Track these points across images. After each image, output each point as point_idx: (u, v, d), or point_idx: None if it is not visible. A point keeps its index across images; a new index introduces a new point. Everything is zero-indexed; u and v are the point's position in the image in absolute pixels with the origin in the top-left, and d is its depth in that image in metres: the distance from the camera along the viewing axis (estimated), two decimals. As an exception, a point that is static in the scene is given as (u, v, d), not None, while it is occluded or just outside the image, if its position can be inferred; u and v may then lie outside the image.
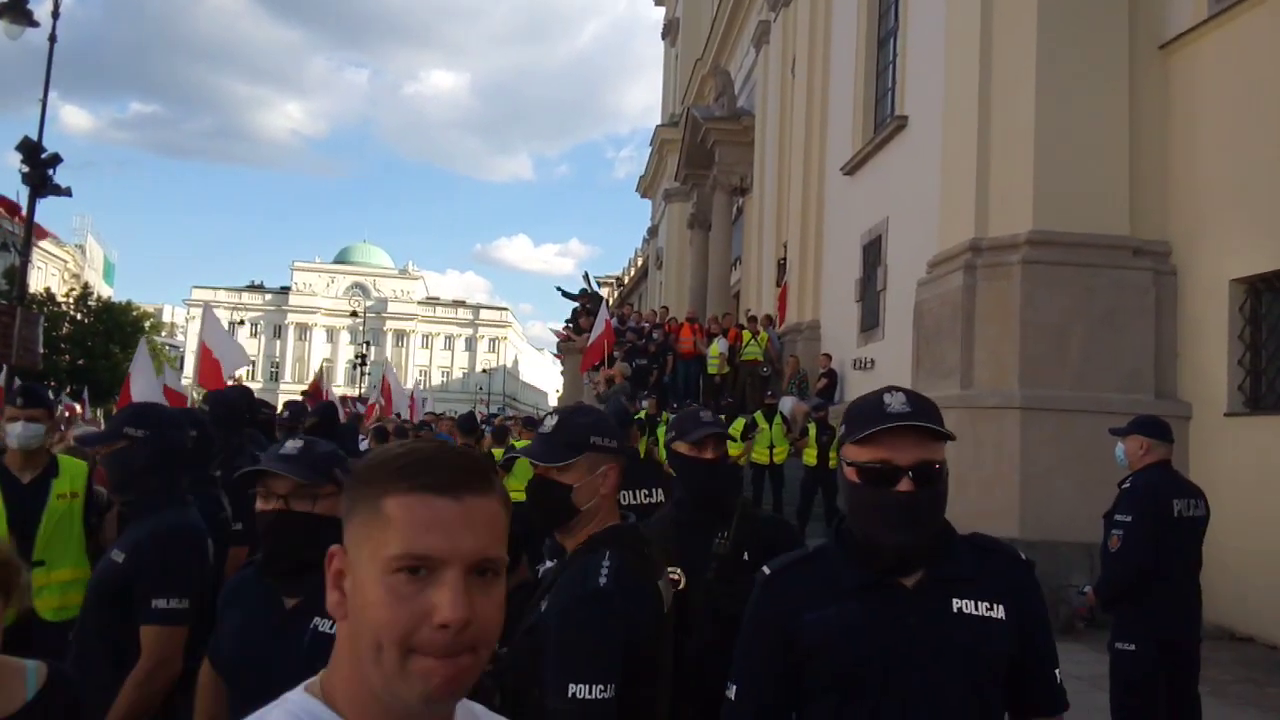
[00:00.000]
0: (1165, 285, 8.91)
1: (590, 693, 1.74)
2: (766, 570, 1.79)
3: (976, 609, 1.66)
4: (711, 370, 16.19)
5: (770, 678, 1.71)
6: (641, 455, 12.33)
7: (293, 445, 2.06)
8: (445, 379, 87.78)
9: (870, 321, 14.03)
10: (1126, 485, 4.50)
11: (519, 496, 2.02)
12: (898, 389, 1.72)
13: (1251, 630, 7.65)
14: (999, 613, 1.66)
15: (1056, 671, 1.76)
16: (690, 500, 2.78)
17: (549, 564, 2.18)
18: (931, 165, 10.80)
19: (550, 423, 2.07)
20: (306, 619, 1.92)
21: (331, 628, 1.83)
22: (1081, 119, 8.91)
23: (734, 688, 1.75)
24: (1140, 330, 8.81)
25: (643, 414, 12.68)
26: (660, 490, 3.86)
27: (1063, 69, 8.95)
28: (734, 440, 12.16)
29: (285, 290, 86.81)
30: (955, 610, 1.65)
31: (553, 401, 54.10)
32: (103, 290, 51.60)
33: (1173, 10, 9.08)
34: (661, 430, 12.01)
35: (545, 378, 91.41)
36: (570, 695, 1.74)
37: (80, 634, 2.59)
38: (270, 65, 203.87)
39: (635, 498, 3.77)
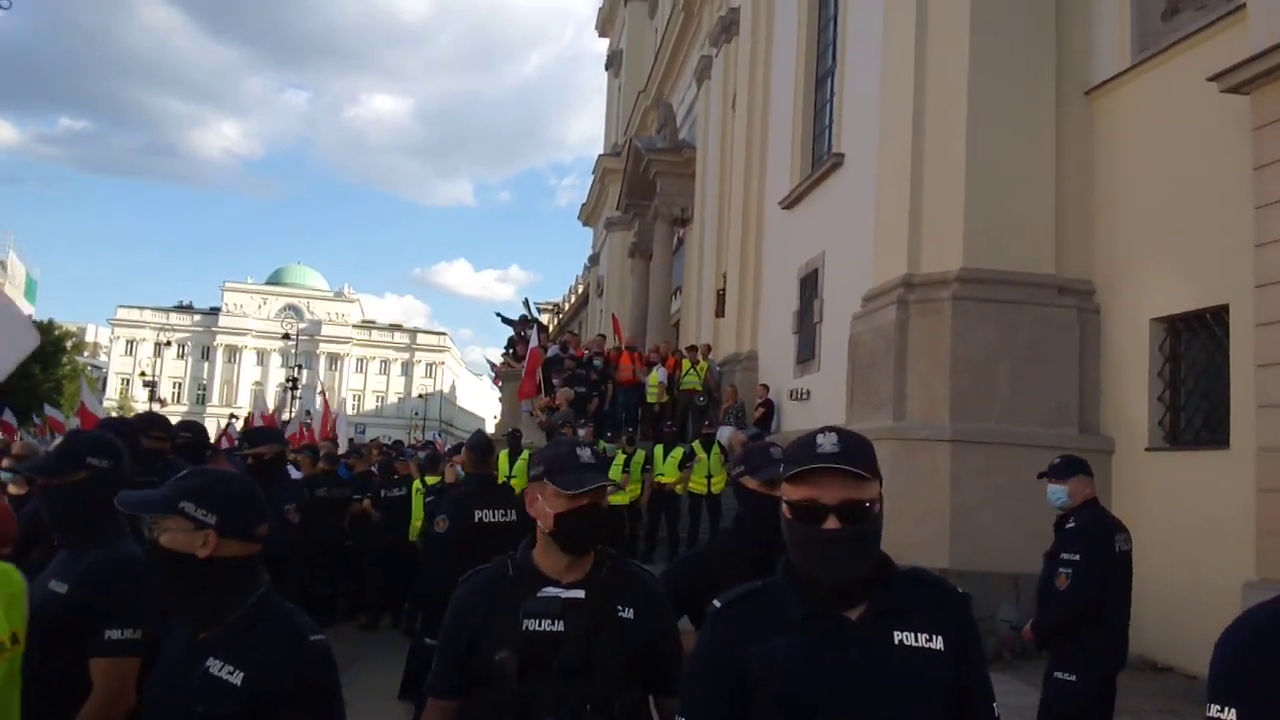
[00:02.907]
0: (1089, 322, 9.20)
1: None
2: (716, 603, 1.82)
3: (917, 640, 1.69)
4: (650, 399, 16.20)
5: (718, 709, 1.73)
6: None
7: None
8: (380, 404, 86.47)
9: (806, 353, 14.21)
10: (1072, 525, 4.53)
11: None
12: (832, 429, 1.75)
13: (1171, 660, 7.86)
14: (938, 644, 1.70)
15: (994, 705, 1.80)
16: (757, 532, 2.75)
17: (552, 589, 2.16)
18: (867, 202, 11.03)
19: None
20: (203, 658, 1.85)
21: (225, 671, 1.79)
22: (1010, 160, 9.20)
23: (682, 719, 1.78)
24: (1065, 366, 9.06)
25: (580, 442, 12.61)
26: (514, 511, 4.68)
27: (993, 111, 9.24)
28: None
29: (215, 311, 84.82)
30: (897, 642, 1.68)
31: (490, 427, 53.64)
32: (24, 308, 49.85)
33: (1098, 57, 9.45)
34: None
35: (483, 403, 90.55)
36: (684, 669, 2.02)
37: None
38: (206, 83, 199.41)
39: (493, 516, 4.72)
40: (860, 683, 1.65)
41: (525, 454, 10.63)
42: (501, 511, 4.77)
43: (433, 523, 5.03)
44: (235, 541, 1.91)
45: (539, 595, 2.13)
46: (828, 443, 1.70)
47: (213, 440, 7.43)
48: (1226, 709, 1.83)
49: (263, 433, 6.09)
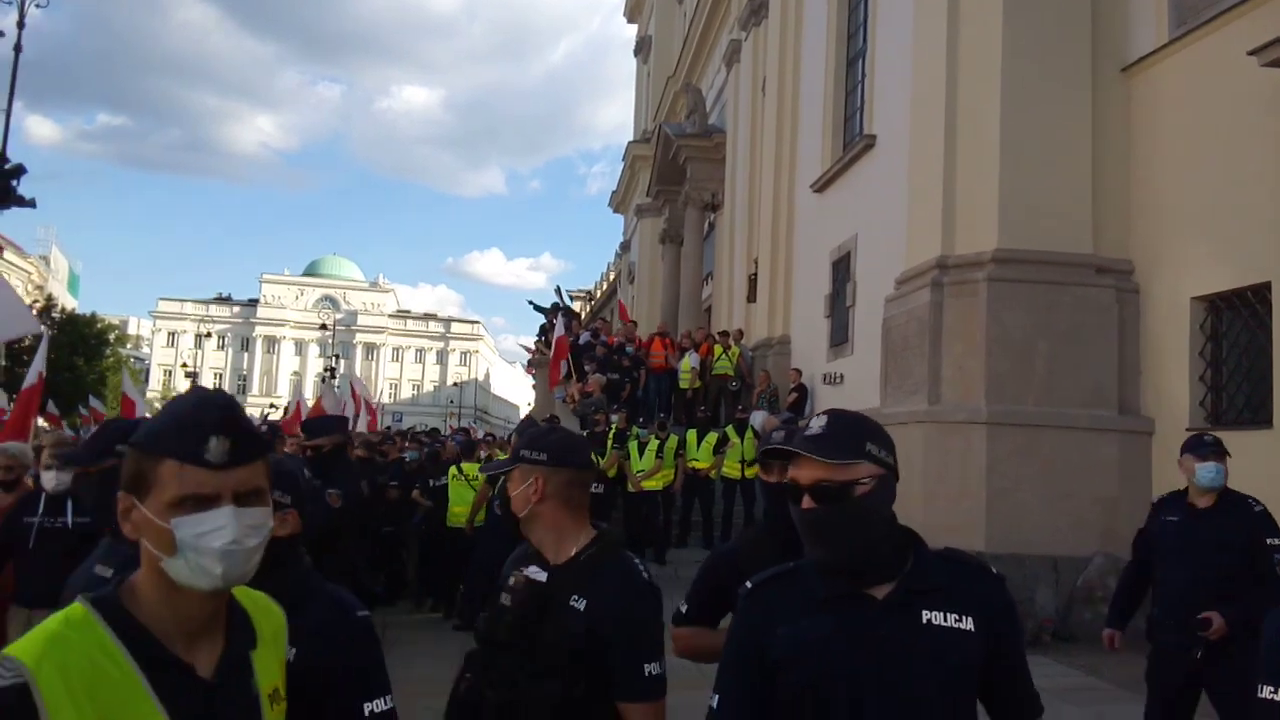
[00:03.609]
0: (1128, 303, 9.07)
1: (659, 668, 2.14)
2: (748, 584, 1.86)
3: (945, 620, 1.69)
4: (683, 384, 16.23)
5: (749, 689, 1.76)
6: (613, 471, 12.27)
7: None
8: (416, 392, 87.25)
9: (840, 337, 14.14)
10: (1260, 508, 4.19)
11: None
12: (831, 412, 1.81)
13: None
14: (968, 624, 1.70)
15: (1031, 683, 1.84)
16: (781, 521, 2.79)
17: (530, 569, 2.25)
18: (899, 183, 10.93)
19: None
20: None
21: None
22: (1045, 139, 9.07)
23: (716, 698, 1.82)
24: (1104, 347, 8.95)
25: (613, 428, 12.69)
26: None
27: (1027, 90, 9.11)
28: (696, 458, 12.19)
29: (253, 303, 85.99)
30: (925, 621, 1.69)
31: (523, 415, 53.95)
32: (67, 302, 50.84)
33: (1135, 33, 9.28)
34: (633, 444, 12.03)
35: (517, 391, 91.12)
36: (647, 674, 2.11)
37: None
38: (241, 79, 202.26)
39: None
40: (888, 662, 1.66)
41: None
42: None
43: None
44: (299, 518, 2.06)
45: (520, 571, 2.27)
46: (814, 425, 1.77)
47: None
48: None
49: (321, 423, 5.85)
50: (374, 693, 1.88)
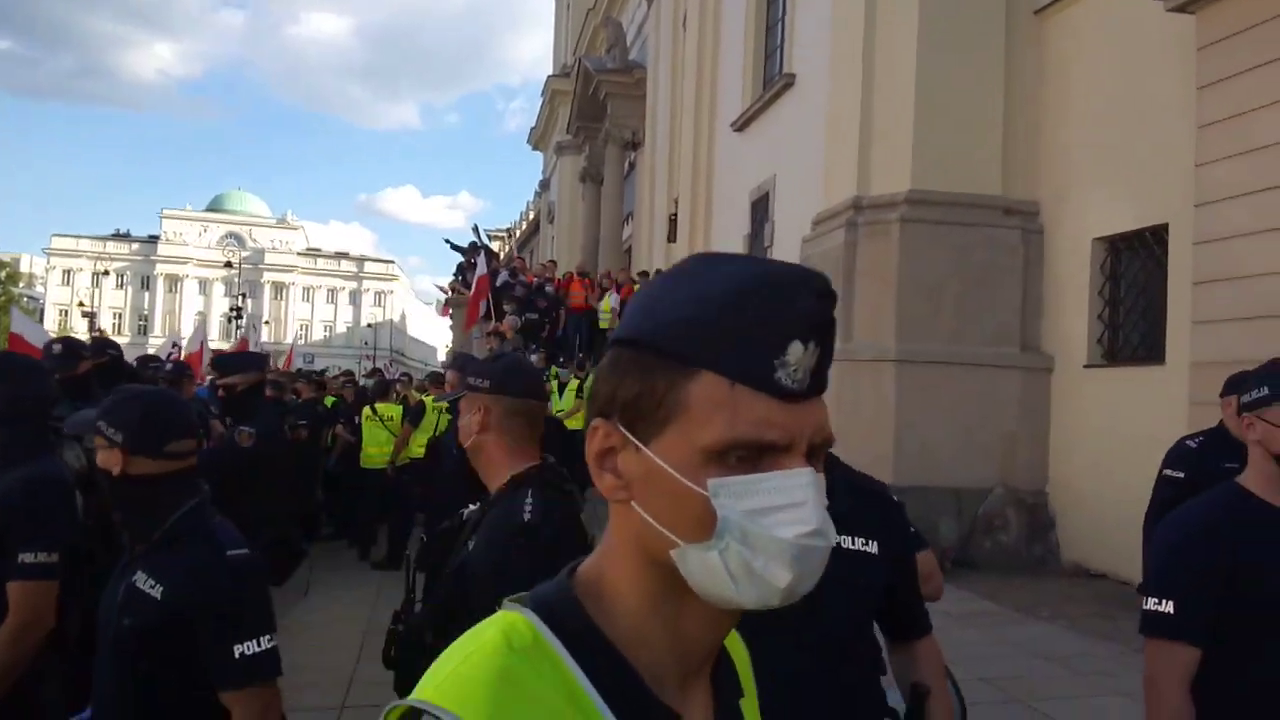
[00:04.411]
0: (1033, 243, 9.34)
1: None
2: None
3: (853, 544, 1.76)
4: (603, 325, 16.19)
5: None
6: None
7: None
8: (328, 333, 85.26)
9: (758, 277, 14.26)
10: None
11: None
12: None
13: (1105, 568, 8.22)
14: (873, 548, 1.78)
15: (922, 602, 1.99)
16: None
17: (472, 507, 2.18)
18: (817, 124, 10.97)
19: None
20: (133, 573, 1.89)
21: (148, 585, 1.82)
22: (959, 81, 9.19)
23: None
24: (1010, 287, 9.23)
25: (532, 368, 12.61)
26: None
27: (943, 31, 9.19)
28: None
29: (154, 239, 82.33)
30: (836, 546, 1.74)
31: (441, 356, 53.33)
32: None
33: (1047, -23, 9.40)
34: (553, 384, 11.99)
35: (434, 332, 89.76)
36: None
37: None
38: (138, 2, 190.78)
39: None
40: None
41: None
42: None
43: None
44: (145, 459, 1.91)
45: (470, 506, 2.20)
46: None
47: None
48: (1165, 601, 1.97)
49: (236, 360, 5.32)
50: (245, 634, 1.82)
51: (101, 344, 5.40)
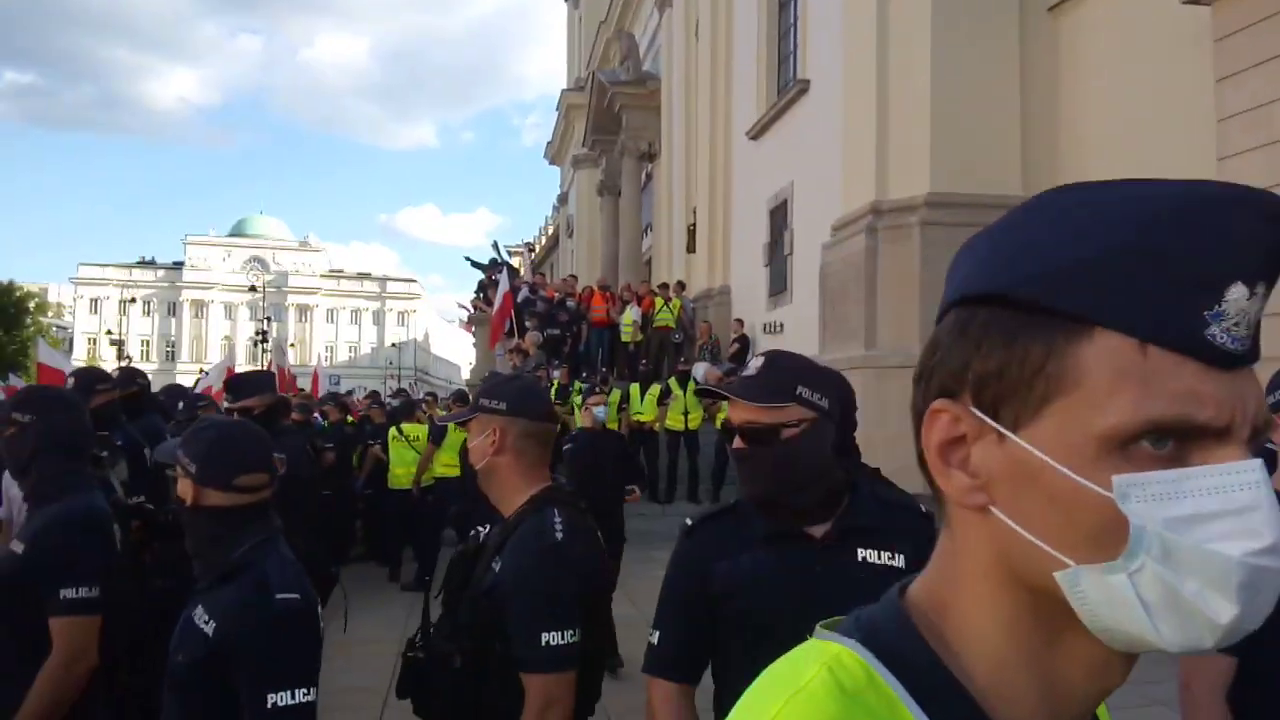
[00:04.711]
0: (1056, 243, 9.25)
1: (562, 638, 1.90)
2: (688, 521, 1.92)
3: (879, 558, 1.76)
4: (625, 338, 16.19)
5: (687, 623, 1.82)
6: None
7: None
8: (353, 354, 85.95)
9: (779, 285, 14.22)
10: None
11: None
12: (770, 354, 1.85)
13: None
14: (899, 561, 1.76)
15: None
16: None
17: (484, 529, 2.17)
18: (833, 129, 10.94)
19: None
20: (195, 606, 1.88)
21: (203, 620, 1.80)
22: (975, 81, 9.14)
23: (656, 633, 1.85)
24: (1034, 287, 9.14)
25: (555, 384, 12.64)
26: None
27: (957, 33, 9.15)
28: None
29: (179, 266, 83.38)
30: (860, 559, 1.75)
31: (465, 375, 53.56)
32: (-20, 270, 48.83)
33: (1060, -26, 9.35)
34: (576, 399, 12.00)
35: (458, 350, 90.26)
36: (544, 643, 1.88)
37: None
38: (155, 31, 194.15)
39: None
40: (824, 597, 1.70)
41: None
42: None
43: None
44: (216, 491, 1.90)
45: (479, 529, 2.19)
46: (752, 367, 1.82)
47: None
48: None
49: (248, 383, 5.16)
50: (281, 683, 1.74)
51: (129, 374, 5.38)
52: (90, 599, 2.37)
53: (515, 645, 1.91)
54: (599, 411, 6.60)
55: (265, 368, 12.40)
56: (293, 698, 1.73)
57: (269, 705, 1.72)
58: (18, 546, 2.45)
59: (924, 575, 0.69)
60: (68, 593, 2.34)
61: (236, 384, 5.17)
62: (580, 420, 7.12)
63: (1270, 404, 2.00)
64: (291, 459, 5.09)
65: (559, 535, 1.97)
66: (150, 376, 5.71)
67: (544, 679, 1.89)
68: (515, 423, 2.09)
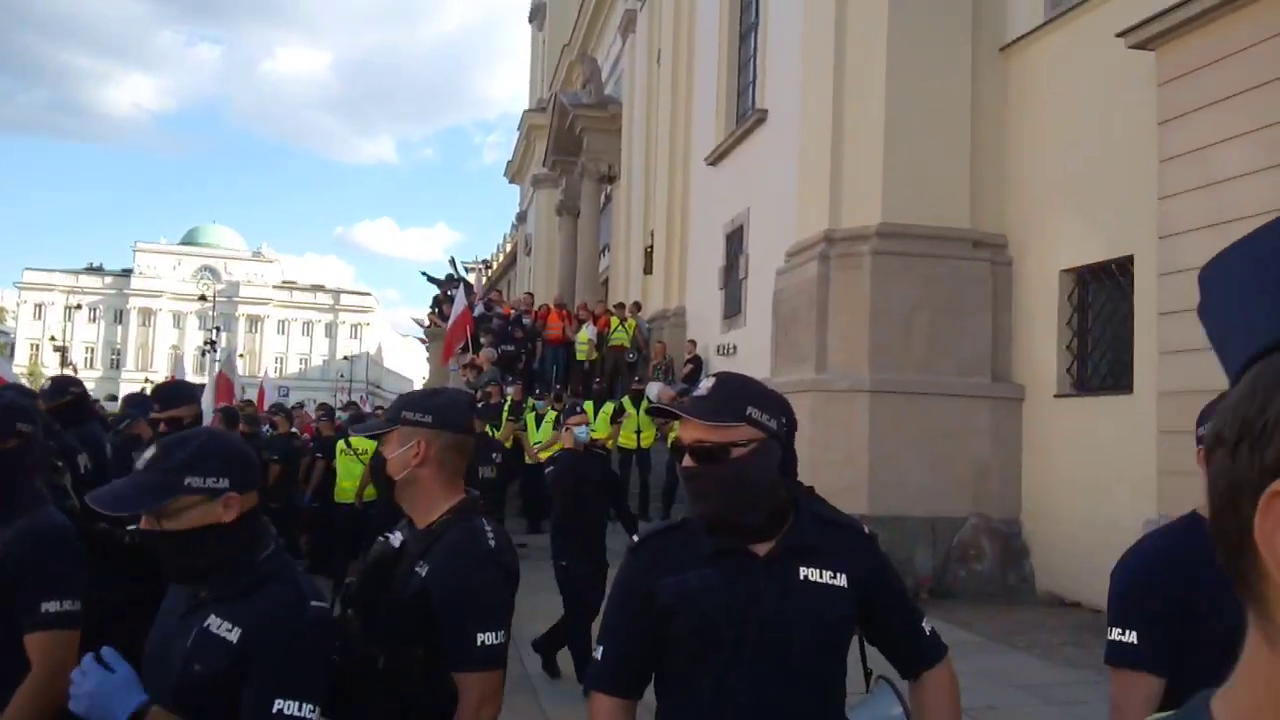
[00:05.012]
0: (1002, 275, 9.48)
1: (496, 639, 1.99)
2: (634, 538, 1.95)
3: (821, 577, 1.80)
4: (580, 356, 16.21)
5: (631, 639, 1.84)
6: (509, 443, 12.16)
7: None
8: (304, 366, 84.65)
9: (733, 308, 14.35)
10: None
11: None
12: (720, 375, 1.89)
13: (1079, 597, 8.26)
14: (841, 580, 1.81)
15: (924, 625, 1.96)
16: None
17: (393, 535, 2.18)
18: (790, 157, 11.11)
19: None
20: (205, 615, 1.81)
21: (224, 629, 1.74)
22: (928, 117, 9.35)
23: (600, 648, 1.88)
24: (979, 317, 9.35)
25: (508, 400, 12.61)
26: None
27: (911, 68, 9.37)
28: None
29: (127, 273, 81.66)
30: (802, 578, 1.79)
31: (417, 388, 52.89)
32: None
33: (1013, 14, 9.63)
34: (530, 416, 11.97)
35: (411, 365, 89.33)
36: (480, 643, 1.97)
37: None
38: (113, 37, 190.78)
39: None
40: (766, 615, 1.76)
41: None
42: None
43: None
44: (249, 495, 1.89)
45: (384, 536, 2.20)
46: (703, 387, 1.85)
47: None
48: (1127, 631, 2.00)
49: (176, 393, 4.93)
50: (295, 693, 1.70)
51: (63, 383, 5.17)
52: (73, 612, 2.29)
53: (449, 645, 1.96)
54: (580, 432, 6.30)
55: (216, 377, 12.14)
56: (299, 709, 1.69)
57: (273, 711, 1.68)
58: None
59: (1233, 689, 0.55)
60: (50, 606, 2.25)
61: (165, 393, 4.95)
62: (561, 442, 6.86)
63: (1196, 438, 1.97)
64: (94, 449, 4.74)
65: (491, 543, 2.07)
66: (93, 384, 5.58)
67: (479, 676, 1.97)
68: (440, 435, 2.14)
